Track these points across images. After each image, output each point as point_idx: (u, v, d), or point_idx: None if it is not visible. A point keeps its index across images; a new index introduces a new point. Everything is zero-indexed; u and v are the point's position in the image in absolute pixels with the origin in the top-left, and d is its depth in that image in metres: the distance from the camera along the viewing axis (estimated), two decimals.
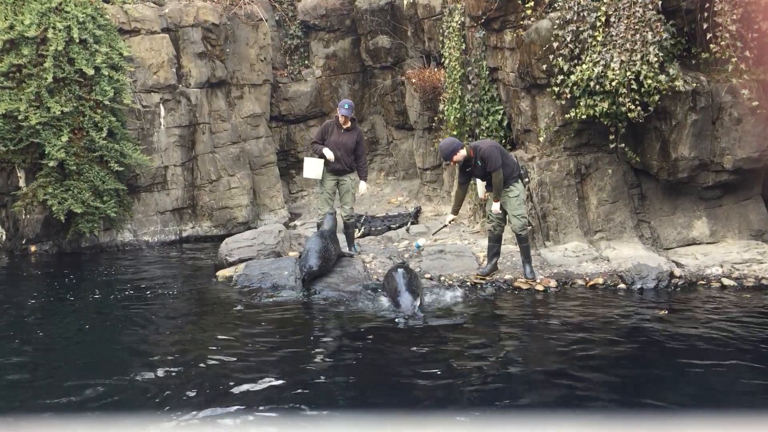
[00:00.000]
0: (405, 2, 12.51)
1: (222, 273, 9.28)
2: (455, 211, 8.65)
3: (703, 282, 8.46)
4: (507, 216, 8.51)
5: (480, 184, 8.72)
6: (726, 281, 8.42)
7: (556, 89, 8.88)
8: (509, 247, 9.44)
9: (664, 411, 5.32)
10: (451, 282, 8.62)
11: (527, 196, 9.39)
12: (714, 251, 9.07)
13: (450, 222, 8.81)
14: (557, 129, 9.33)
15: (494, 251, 8.78)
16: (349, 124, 9.28)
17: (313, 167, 9.37)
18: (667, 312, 7.57)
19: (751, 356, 6.33)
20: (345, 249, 9.47)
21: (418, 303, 7.76)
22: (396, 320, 7.46)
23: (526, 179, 8.66)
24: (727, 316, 7.38)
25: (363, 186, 9.58)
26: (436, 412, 5.38)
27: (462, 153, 8.21)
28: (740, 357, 6.31)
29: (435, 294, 8.18)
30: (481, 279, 8.65)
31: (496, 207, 8.30)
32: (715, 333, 6.86)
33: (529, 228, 8.73)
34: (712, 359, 6.21)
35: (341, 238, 9.59)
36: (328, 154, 9.16)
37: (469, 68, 10.56)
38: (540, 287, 8.43)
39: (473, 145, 8.40)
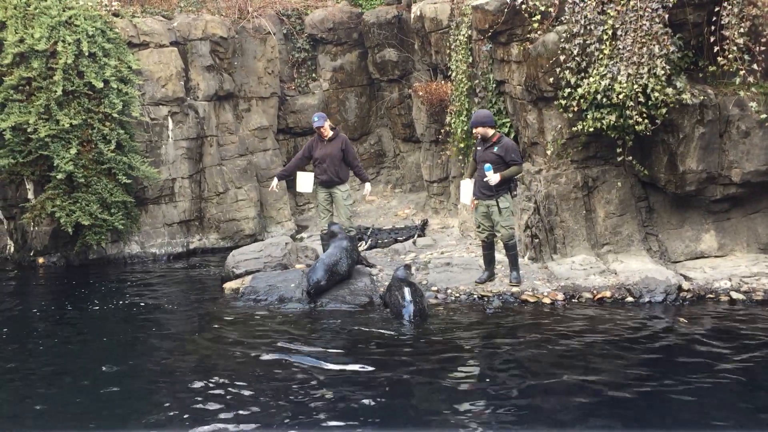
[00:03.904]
0: (412, 15, 12.56)
1: (229, 285, 9.29)
2: (470, 176, 8.87)
3: (711, 296, 8.41)
4: (495, 226, 8.60)
5: (464, 189, 8.75)
6: (735, 295, 8.37)
7: (563, 102, 8.89)
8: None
9: (675, 429, 5.28)
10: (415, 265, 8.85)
11: (534, 208, 9.39)
12: (722, 265, 9.02)
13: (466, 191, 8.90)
14: (564, 142, 9.33)
15: (489, 258, 8.89)
16: (330, 133, 9.37)
17: (304, 181, 9.48)
18: (686, 321, 7.59)
19: (763, 372, 6.28)
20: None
21: (420, 315, 7.75)
22: (400, 333, 7.44)
23: (515, 192, 8.73)
24: (738, 330, 7.33)
25: (368, 187, 9.73)
26: (439, 428, 5.36)
27: (488, 131, 8.47)
28: (752, 373, 6.26)
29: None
30: (481, 287, 8.70)
31: (495, 177, 8.29)
32: (726, 348, 6.81)
33: (516, 239, 8.79)
34: (723, 375, 6.16)
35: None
36: (273, 183, 9.87)
37: (476, 81, 10.58)
38: (547, 300, 8.40)
39: (501, 133, 8.81)
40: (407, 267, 8.63)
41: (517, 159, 8.45)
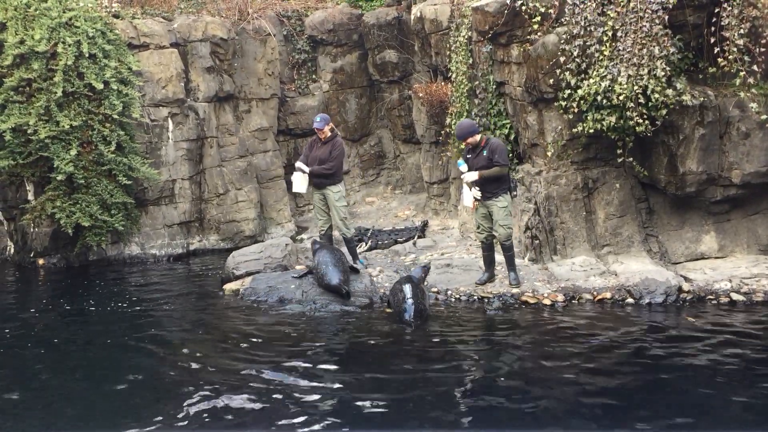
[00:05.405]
0: (412, 17, 12.57)
1: (229, 286, 9.29)
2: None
3: (711, 297, 8.41)
4: (494, 226, 8.60)
5: (466, 191, 8.76)
6: (735, 296, 8.37)
7: (564, 103, 8.89)
8: (515, 261, 9.41)
9: (675, 430, 5.28)
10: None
11: (534, 210, 9.38)
12: (722, 266, 9.02)
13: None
14: (564, 143, 9.33)
15: (489, 260, 8.89)
16: (328, 135, 9.32)
17: (298, 182, 9.45)
18: (693, 319, 7.63)
19: (763, 373, 6.28)
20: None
21: (421, 316, 7.75)
22: (401, 334, 7.44)
23: (514, 193, 8.74)
24: (739, 331, 7.33)
25: (297, 175, 9.28)
26: (439, 429, 5.35)
27: (476, 138, 8.50)
28: (753, 374, 6.26)
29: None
30: (481, 289, 8.69)
31: (473, 176, 8.31)
32: (726, 349, 6.80)
33: (512, 240, 8.75)
34: (723, 377, 6.16)
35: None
36: (300, 167, 9.24)
37: (476, 82, 10.58)
38: (547, 301, 8.40)
39: (487, 136, 8.77)
40: (425, 268, 8.69)
41: (500, 160, 8.36)
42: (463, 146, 8.88)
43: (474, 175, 8.31)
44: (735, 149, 8.84)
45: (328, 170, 9.23)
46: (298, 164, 9.31)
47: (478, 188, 8.43)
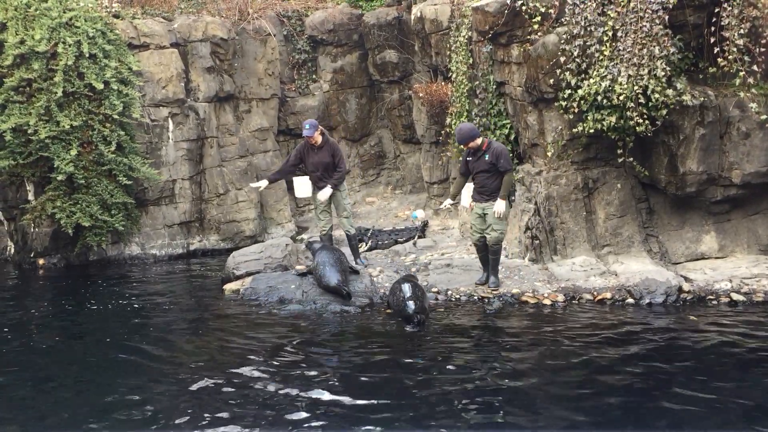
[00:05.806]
0: (412, 17, 12.57)
1: (229, 286, 9.29)
2: (453, 196, 8.90)
3: (711, 297, 8.41)
4: (487, 228, 8.54)
5: (464, 191, 8.76)
6: (735, 296, 8.37)
7: (564, 103, 8.89)
8: (516, 261, 9.43)
9: (674, 430, 5.27)
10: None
11: (534, 210, 9.38)
12: (723, 266, 9.02)
13: (447, 205, 9.02)
14: (565, 143, 9.33)
15: (486, 259, 8.87)
16: (320, 140, 9.28)
17: (302, 186, 9.40)
18: (695, 318, 7.67)
19: (763, 373, 6.27)
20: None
21: (422, 316, 7.75)
22: (401, 334, 7.44)
23: (512, 198, 8.71)
24: (740, 331, 7.33)
25: (326, 191, 9.30)
26: (439, 429, 5.35)
27: (477, 141, 8.43)
28: (752, 375, 6.26)
29: None
30: (481, 289, 8.68)
31: (501, 205, 8.30)
32: (728, 349, 6.81)
33: (508, 243, 8.72)
34: (723, 377, 6.16)
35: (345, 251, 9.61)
36: (260, 183, 9.63)
37: (477, 82, 10.58)
38: (547, 302, 8.40)
39: (488, 139, 8.69)
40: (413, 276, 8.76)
41: (507, 165, 8.34)
42: (462, 148, 8.86)
43: (502, 206, 8.29)
44: (735, 149, 8.84)
45: (341, 177, 9.40)
46: (322, 192, 9.27)
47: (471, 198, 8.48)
